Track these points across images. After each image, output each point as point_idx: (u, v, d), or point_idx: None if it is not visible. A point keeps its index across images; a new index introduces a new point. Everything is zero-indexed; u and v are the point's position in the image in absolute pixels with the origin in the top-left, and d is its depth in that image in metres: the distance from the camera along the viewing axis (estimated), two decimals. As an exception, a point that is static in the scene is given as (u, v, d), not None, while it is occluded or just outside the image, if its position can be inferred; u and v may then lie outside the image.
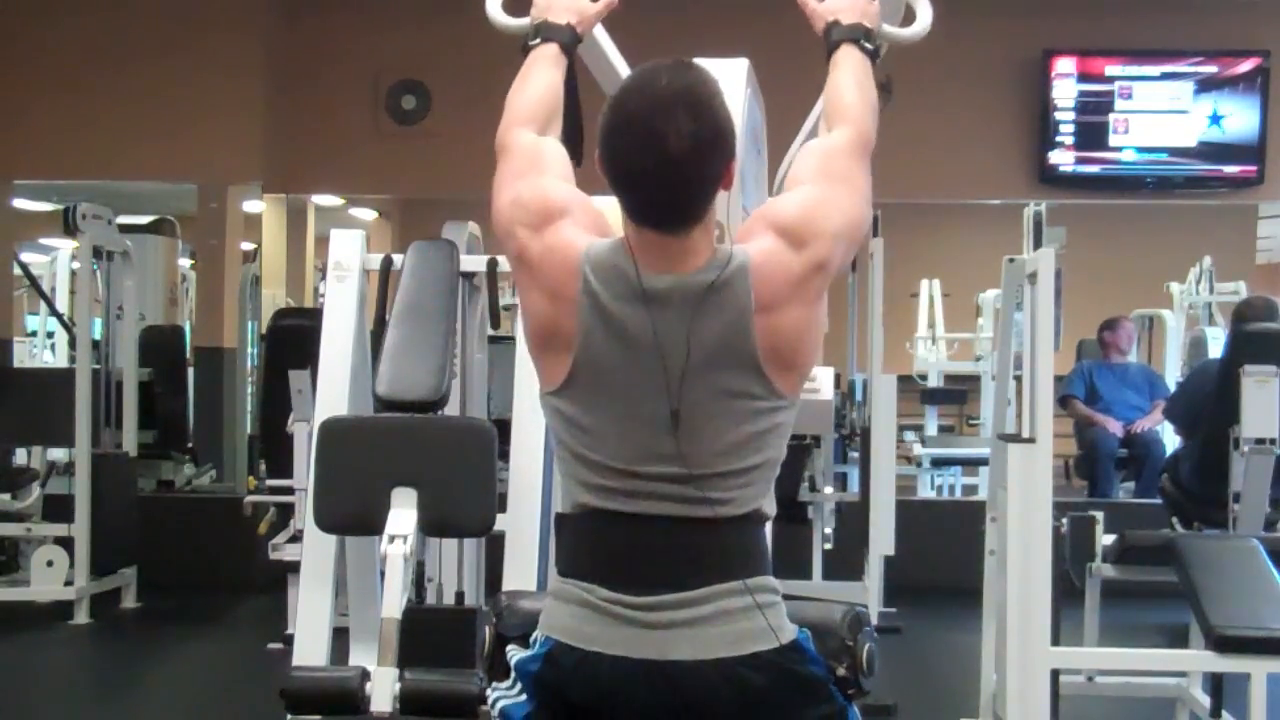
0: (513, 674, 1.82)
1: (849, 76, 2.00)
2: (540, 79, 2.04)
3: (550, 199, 1.86)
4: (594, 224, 1.84)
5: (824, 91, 2.02)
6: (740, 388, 1.76)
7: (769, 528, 1.85)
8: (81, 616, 6.42)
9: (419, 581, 3.98)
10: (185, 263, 9.27)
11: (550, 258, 1.81)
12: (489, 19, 2.28)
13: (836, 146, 1.92)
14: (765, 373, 1.76)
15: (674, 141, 1.72)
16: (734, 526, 1.79)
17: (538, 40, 2.08)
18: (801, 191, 1.87)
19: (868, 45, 2.03)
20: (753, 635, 1.76)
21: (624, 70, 2.60)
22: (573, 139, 2.11)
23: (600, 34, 2.56)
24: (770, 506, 1.83)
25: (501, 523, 3.50)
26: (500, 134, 1.99)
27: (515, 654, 1.83)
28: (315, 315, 4.81)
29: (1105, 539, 4.39)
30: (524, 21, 2.14)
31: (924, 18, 2.23)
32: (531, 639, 1.82)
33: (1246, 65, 8.03)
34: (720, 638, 1.75)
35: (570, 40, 2.09)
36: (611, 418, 1.78)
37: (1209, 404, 4.85)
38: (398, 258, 3.84)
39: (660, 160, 1.72)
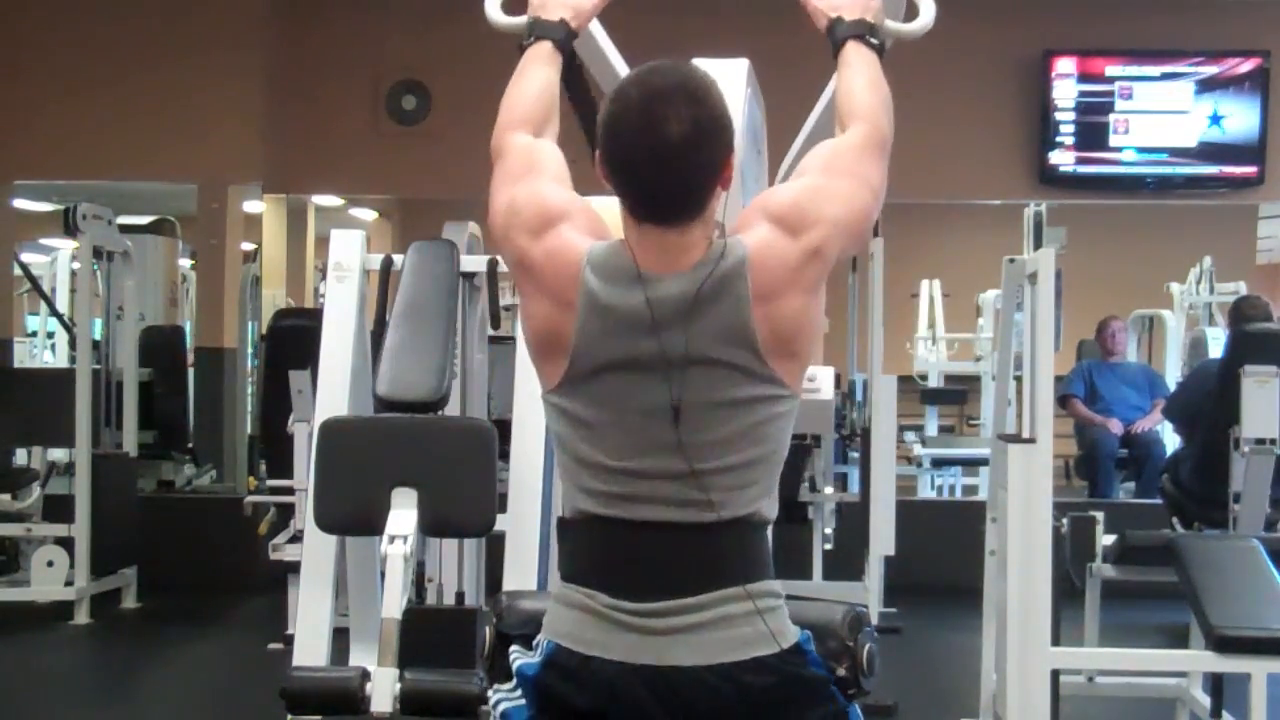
0: (515, 677, 1.82)
1: (859, 74, 1.98)
2: (534, 79, 2.03)
3: (548, 203, 1.85)
4: (592, 227, 1.84)
5: (834, 91, 2.01)
6: (742, 377, 1.76)
7: (770, 530, 1.85)
8: (81, 616, 6.42)
9: (419, 581, 3.99)
10: (185, 263, 9.27)
11: (551, 262, 1.81)
12: (488, 19, 2.28)
13: (847, 144, 1.91)
14: (766, 361, 1.76)
15: (674, 126, 1.72)
16: (735, 530, 1.78)
17: (532, 38, 2.06)
18: (799, 181, 1.86)
19: (873, 40, 2.01)
20: (753, 640, 1.75)
21: (622, 69, 2.60)
22: (589, 126, 2.10)
23: (599, 33, 2.55)
24: (772, 509, 1.82)
25: (501, 523, 3.50)
26: (495, 136, 1.98)
27: (518, 658, 1.83)
28: (315, 315, 4.82)
29: (1105, 539, 4.39)
30: (522, 20, 2.12)
31: (927, 13, 2.21)
32: (535, 643, 1.82)
33: (1246, 65, 8.04)
34: (721, 643, 1.75)
35: (564, 36, 2.07)
36: (612, 411, 1.77)
37: (1209, 404, 4.85)
38: (398, 258, 3.84)
39: (660, 144, 1.73)
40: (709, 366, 1.75)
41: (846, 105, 1.96)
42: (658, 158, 1.74)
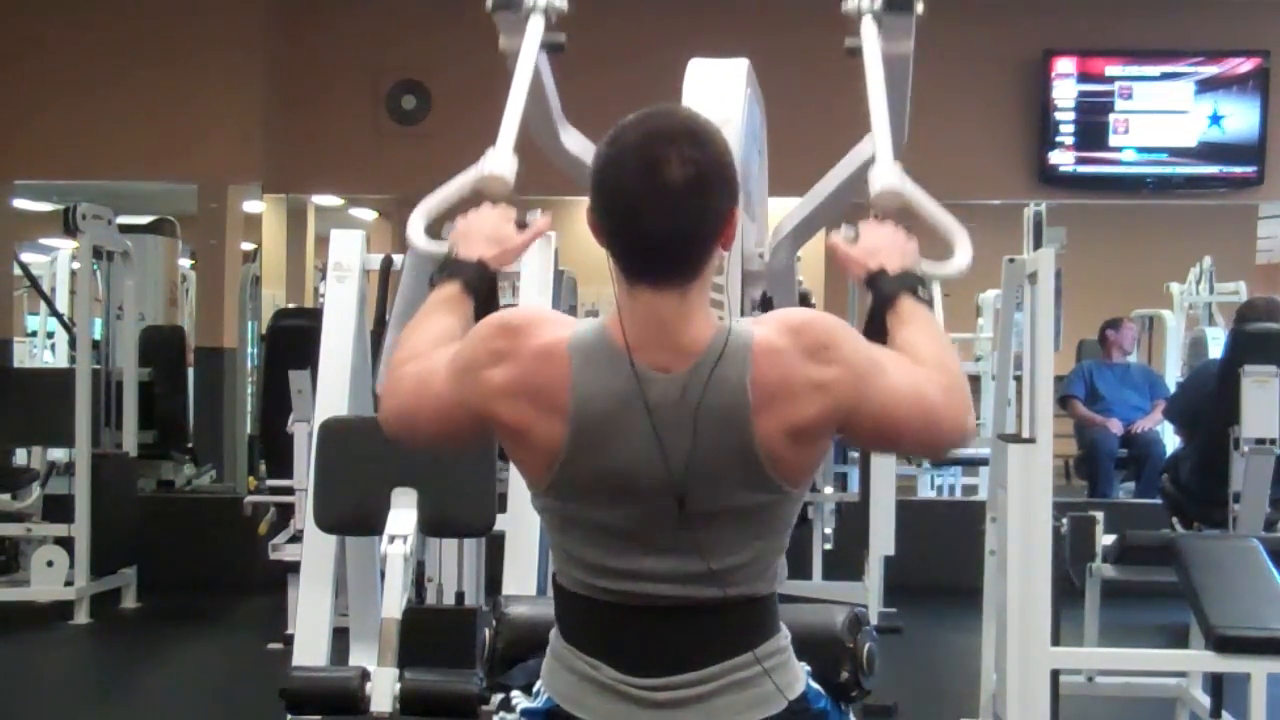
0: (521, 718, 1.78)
1: (922, 332, 1.80)
2: (432, 328, 1.84)
3: (460, 359, 1.71)
4: (534, 320, 1.70)
5: (900, 346, 1.81)
6: (745, 489, 1.66)
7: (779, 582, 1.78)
8: (81, 616, 6.42)
9: (419, 581, 3.99)
10: (185, 263, 9.27)
11: (532, 368, 1.65)
12: (409, 241, 2.17)
13: (926, 370, 1.74)
14: (769, 474, 1.66)
15: (676, 168, 1.58)
16: (742, 605, 1.70)
17: (441, 275, 1.90)
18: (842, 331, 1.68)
19: (923, 296, 1.86)
20: (762, 700, 1.70)
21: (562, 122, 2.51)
22: None
23: (545, 72, 2.50)
24: (781, 577, 1.75)
25: (501, 523, 3.50)
26: (388, 378, 1.82)
27: (519, 701, 1.79)
28: (315, 315, 4.81)
29: (1105, 539, 4.39)
30: (442, 247, 1.97)
31: (963, 254, 2.13)
32: (534, 690, 1.77)
33: (1246, 65, 8.04)
34: (729, 708, 1.69)
35: (476, 279, 1.89)
36: (610, 516, 1.67)
37: (1209, 404, 4.85)
38: (398, 258, 3.84)
39: (660, 188, 1.58)
40: (711, 479, 1.64)
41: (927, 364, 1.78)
42: (658, 201, 1.59)
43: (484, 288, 1.91)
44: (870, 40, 2.53)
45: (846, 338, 1.67)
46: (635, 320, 1.64)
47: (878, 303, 1.88)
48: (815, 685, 1.78)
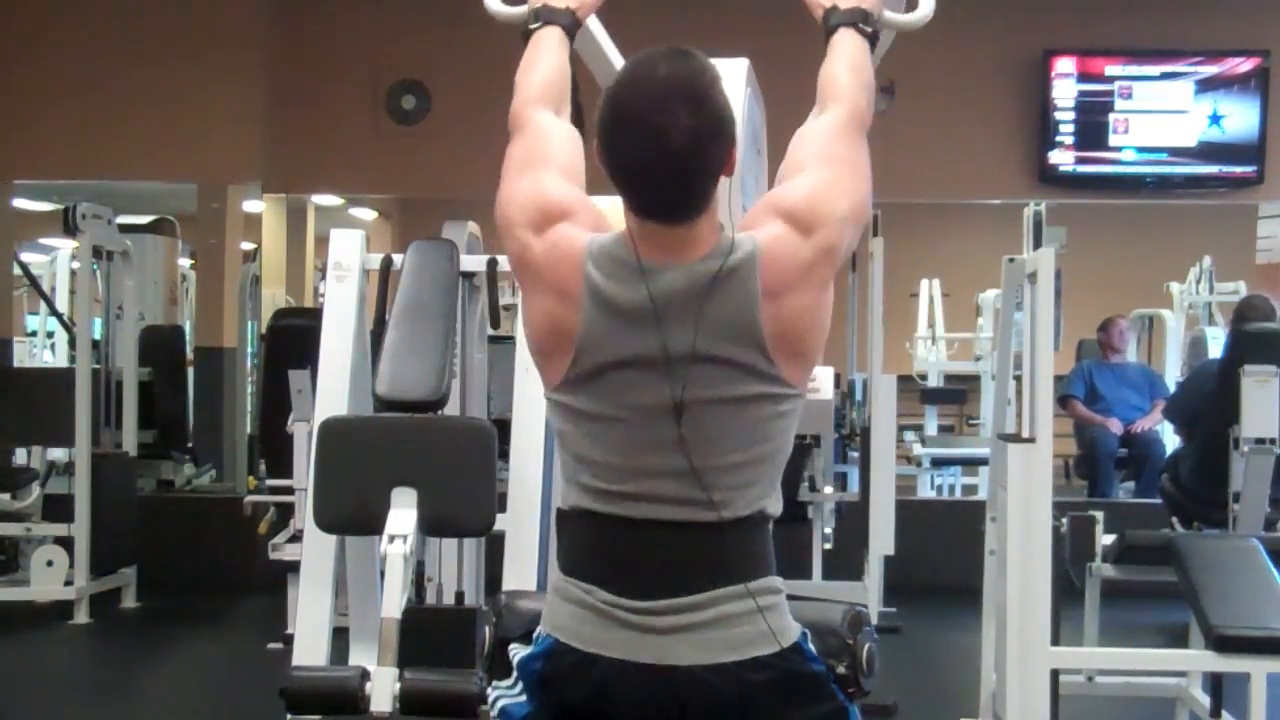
0: (515, 672, 1.82)
1: (843, 58, 1.97)
2: (548, 60, 2.01)
3: (552, 199, 1.84)
4: (595, 224, 1.83)
5: (819, 75, 2.00)
6: (746, 375, 1.75)
7: (772, 525, 1.84)
8: (81, 616, 6.42)
9: (419, 581, 3.99)
10: (185, 263, 9.27)
11: (552, 256, 1.79)
12: (488, 10, 2.26)
13: (831, 127, 1.90)
14: (773, 359, 1.75)
15: (674, 136, 1.70)
16: (737, 529, 1.77)
17: (539, 24, 2.05)
18: (805, 178, 1.84)
19: (865, 28, 2.00)
20: (753, 639, 1.75)
21: (618, 61, 2.59)
22: (580, 119, 2.09)
23: (595, 27, 2.55)
24: (775, 506, 1.81)
25: (501, 523, 3.50)
26: (515, 109, 1.96)
27: (518, 652, 1.83)
28: (315, 315, 4.81)
29: (1105, 539, 4.39)
30: (522, 10, 2.13)
31: (926, 4, 2.21)
32: (535, 635, 1.82)
33: (1246, 65, 8.03)
34: (720, 642, 1.74)
35: (570, 24, 2.06)
36: (615, 407, 1.76)
37: (1209, 404, 4.85)
38: (398, 258, 3.84)
39: (661, 154, 1.71)
40: (713, 364, 1.74)
41: (827, 87, 1.95)
42: (660, 166, 1.72)
43: (575, 34, 2.08)
44: None
45: (818, 192, 1.81)
46: (643, 236, 1.77)
47: (824, 35, 2.01)
48: (814, 650, 1.80)
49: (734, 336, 1.74)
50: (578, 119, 2.08)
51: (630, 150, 1.73)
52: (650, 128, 1.71)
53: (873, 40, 2.01)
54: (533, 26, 2.06)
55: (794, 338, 1.76)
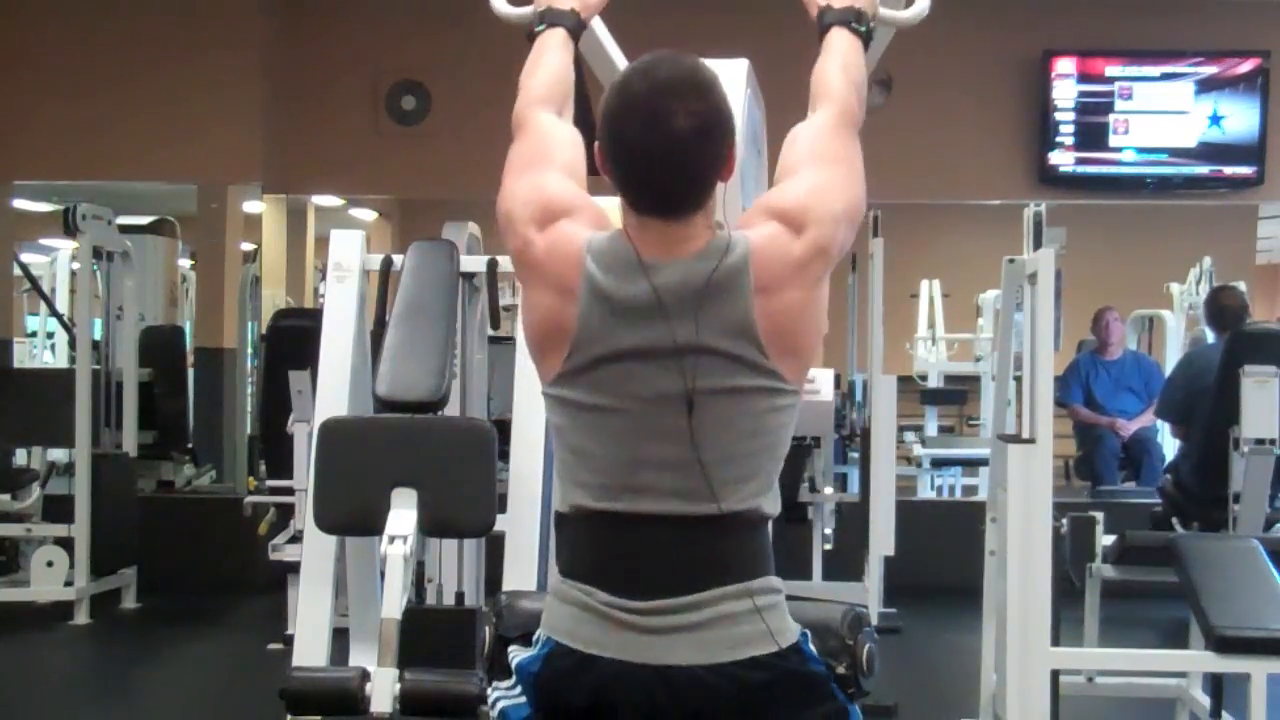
0: (514, 675, 1.82)
1: (835, 57, 1.98)
2: (551, 61, 2.03)
3: (554, 198, 1.85)
4: (596, 223, 1.84)
5: (813, 74, 2.01)
6: (744, 369, 1.76)
7: (771, 526, 1.84)
8: (81, 617, 6.42)
9: (419, 581, 3.98)
10: (185, 263, 9.27)
11: (553, 252, 1.81)
12: (494, 11, 2.27)
13: (824, 126, 1.91)
14: (769, 355, 1.76)
15: (680, 120, 1.73)
16: (736, 525, 1.77)
17: (543, 26, 2.07)
18: (799, 179, 1.86)
19: (858, 27, 2.01)
20: (753, 639, 1.75)
21: (622, 63, 2.59)
22: (586, 126, 2.10)
23: (599, 28, 2.55)
24: (773, 505, 1.82)
25: (501, 523, 3.50)
26: (518, 110, 1.97)
27: (517, 654, 1.83)
28: (315, 315, 4.81)
29: (1105, 539, 4.39)
30: (526, 10, 2.14)
31: (922, 2, 2.21)
32: (535, 638, 1.82)
33: (1246, 65, 8.03)
34: (719, 642, 1.74)
35: (575, 25, 2.08)
36: (616, 398, 1.77)
37: (1208, 404, 4.85)
38: (398, 258, 3.84)
39: (665, 138, 1.73)
40: (715, 355, 1.75)
41: (819, 86, 1.96)
42: (664, 154, 1.74)
43: (580, 35, 2.10)
44: None
45: (812, 191, 1.83)
46: (641, 234, 1.79)
47: (819, 32, 2.03)
48: (814, 650, 1.80)
49: (732, 332, 1.75)
50: (585, 116, 2.09)
51: (634, 135, 1.75)
52: (655, 111, 1.73)
53: (866, 39, 2.02)
54: (537, 28, 2.08)
55: (788, 334, 1.78)
